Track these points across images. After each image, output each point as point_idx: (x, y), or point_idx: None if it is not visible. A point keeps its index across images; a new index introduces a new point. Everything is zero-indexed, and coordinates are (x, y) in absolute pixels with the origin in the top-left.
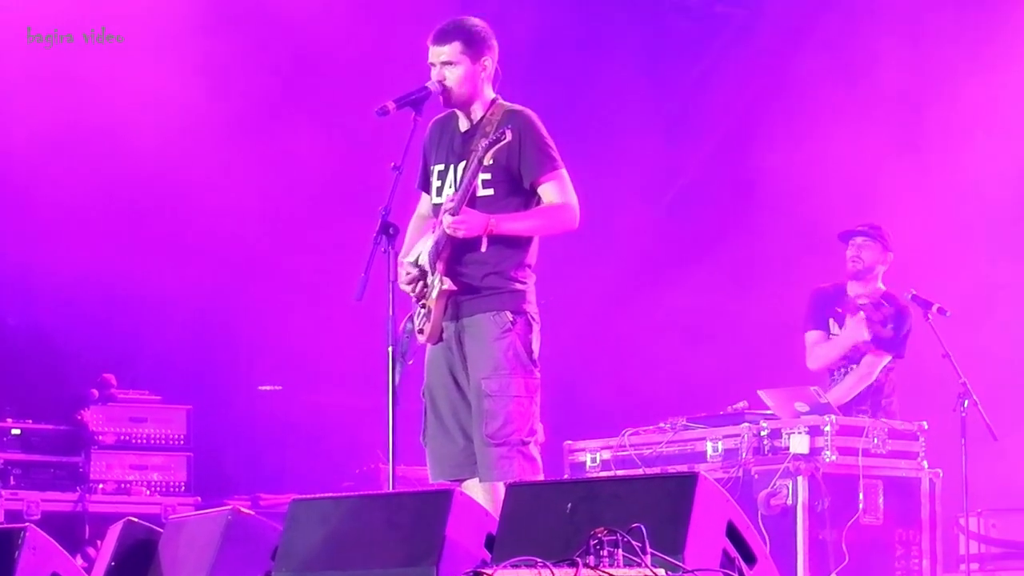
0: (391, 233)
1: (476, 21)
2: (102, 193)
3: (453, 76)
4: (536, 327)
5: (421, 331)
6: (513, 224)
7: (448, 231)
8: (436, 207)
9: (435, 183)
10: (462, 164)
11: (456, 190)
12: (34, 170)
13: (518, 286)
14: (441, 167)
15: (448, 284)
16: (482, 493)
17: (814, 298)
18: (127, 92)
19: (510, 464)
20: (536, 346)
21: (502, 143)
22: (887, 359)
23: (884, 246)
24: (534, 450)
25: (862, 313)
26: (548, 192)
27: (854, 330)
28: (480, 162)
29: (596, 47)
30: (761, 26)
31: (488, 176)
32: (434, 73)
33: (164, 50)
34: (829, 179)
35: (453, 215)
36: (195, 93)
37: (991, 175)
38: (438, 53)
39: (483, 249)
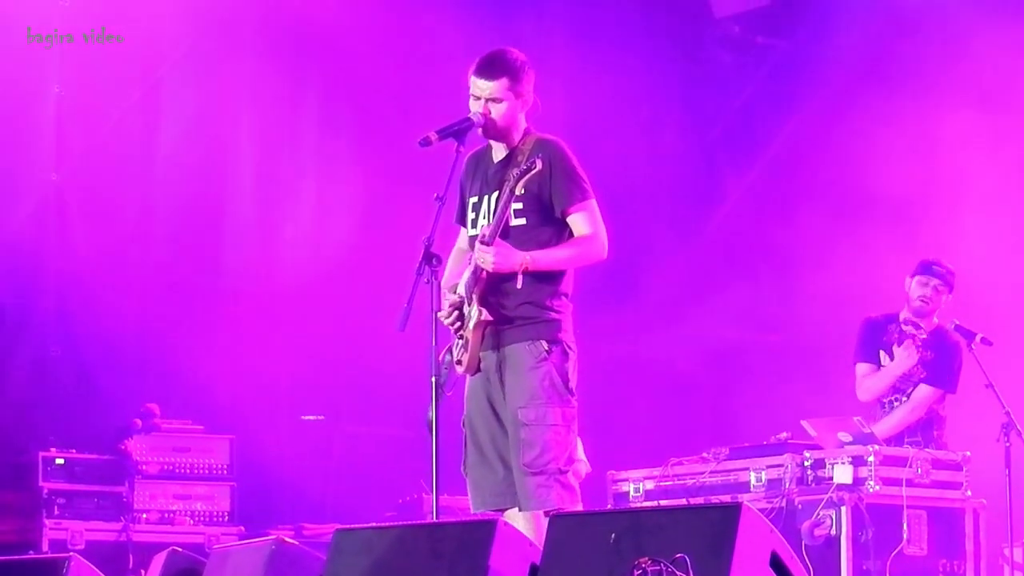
0: (434, 263)
1: (518, 54)
2: (144, 222)
3: (498, 112)
4: (573, 356)
5: (459, 362)
6: (546, 259)
7: (478, 261)
8: (472, 239)
9: (470, 215)
10: (495, 194)
11: (489, 221)
12: (75, 201)
13: (553, 315)
14: (475, 199)
15: (484, 315)
16: (523, 523)
17: (865, 329)
18: (166, 122)
19: (548, 492)
20: (573, 375)
21: (532, 172)
22: (937, 393)
23: (951, 291)
24: (572, 479)
25: (910, 342)
26: (577, 223)
27: (903, 359)
28: (512, 192)
29: (636, 77)
30: (802, 58)
31: (520, 206)
32: (477, 106)
33: (206, 77)
34: (874, 208)
35: (485, 244)
36: (236, 124)
37: None
38: (484, 88)
39: (519, 286)
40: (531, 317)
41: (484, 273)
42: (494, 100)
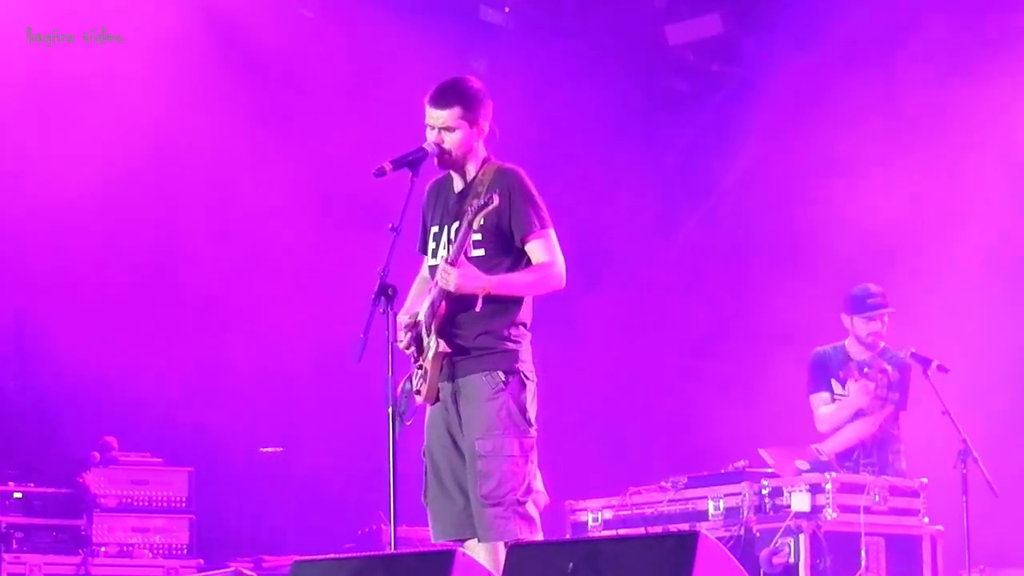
0: (390, 294)
1: (474, 83)
2: (100, 252)
3: (451, 140)
4: (531, 385)
5: (418, 391)
6: (507, 284)
7: (439, 281)
8: (432, 268)
9: (431, 244)
10: (455, 224)
11: (448, 252)
12: (31, 234)
13: (510, 345)
14: (436, 228)
15: (442, 346)
16: (484, 553)
17: (815, 361)
18: (129, 146)
19: (507, 524)
20: (532, 405)
21: (490, 207)
22: (888, 409)
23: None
24: (531, 509)
25: (867, 382)
26: (535, 251)
27: (857, 397)
28: (470, 225)
29: (592, 105)
30: (756, 85)
31: (479, 237)
32: (431, 135)
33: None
34: (831, 234)
35: (449, 264)
36: (196, 150)
37: (992, 228)
38: (437, 116)
39: (478, 309)
40: (488, 347)
41: (443, 304)
42: (447, 129)
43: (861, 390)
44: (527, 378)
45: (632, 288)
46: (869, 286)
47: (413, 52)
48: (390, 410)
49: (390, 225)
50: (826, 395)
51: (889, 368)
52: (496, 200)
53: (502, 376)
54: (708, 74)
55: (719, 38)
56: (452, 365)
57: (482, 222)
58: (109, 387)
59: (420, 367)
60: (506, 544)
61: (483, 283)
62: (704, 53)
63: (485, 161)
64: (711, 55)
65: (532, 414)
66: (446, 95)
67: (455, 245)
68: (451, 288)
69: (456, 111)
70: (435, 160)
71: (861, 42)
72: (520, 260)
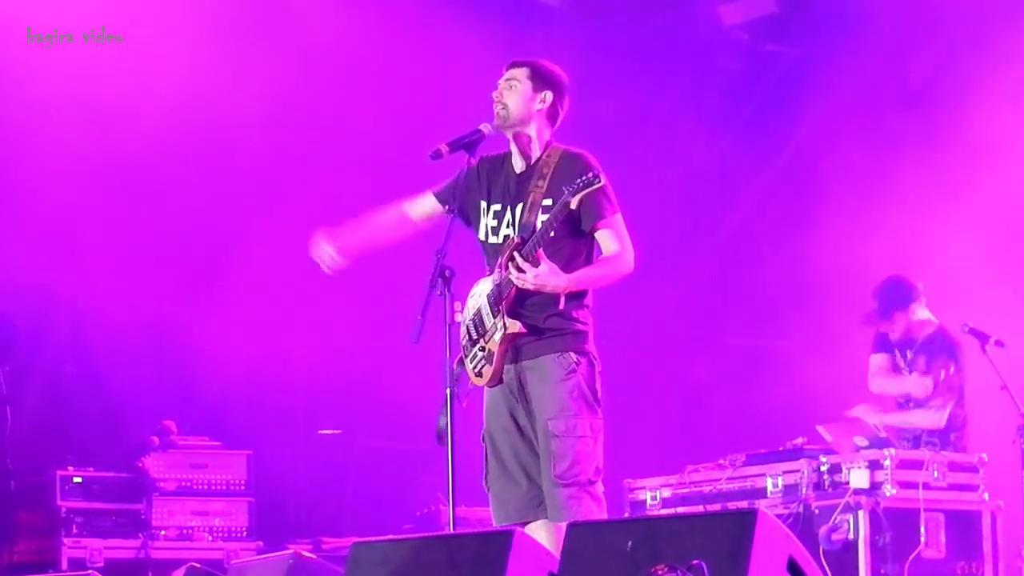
0: (447, 276)
1: (555, 67)
2: (157, 240)
3: (511, 95)
4: (598, 367)
5: (480, 374)
6: (584, 280)
7: (517, 280)
8: (494, 247)
9: (489, 222)
10: (520, 206)
11: (515, 233)
12: (88, 219)
13: (580, 327)
14: (498, 207)
15: (518, 326)
16: (546, 534)
17: (879, 332)
18: (179, 140)
19: (579, 504)
20: (598, 386)
21: (595, 187)
22: (950, 406)
23: (898, 303)
24: (600, 489)
25: (929, 380)
26: (605, 239)
27: (915, 388)
28: (566, 205)
29: (647, 86)
30: (811, 65)
31: (547, 217)
32: (495, 95)
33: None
34: (887, 217)
35: (526, 259)
36: (256, 144)
37: None
38: (506, 76)
39: (561, 307)
40: (559, 329)
41: (513, 288)
42: (509, 82)
43: (919, 385)
44: (595, 359)
45: (690, 267)
46: (875, 287)
47: (466, 36)
48: (448, 391)
49: (447, 207)
50: (886, 356)
51: (952, 367)
52: (602, 180)
53: (574, 357)
54: (763, 54)
55: (773, 17)
56: (518, 347)
57: (549, 202)
58: (167, 371)
59: (482, 348)
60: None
61: (562, 282)
62: (758, 33)
63: (549, 144)
64: (765, 35)
65: (600, 395)
66: (519, 58)
67: (535, 239)
68: (528, 287)
69: (523, 70)
70: (495, 124)
71: (927, 19)
72: (586, 242)
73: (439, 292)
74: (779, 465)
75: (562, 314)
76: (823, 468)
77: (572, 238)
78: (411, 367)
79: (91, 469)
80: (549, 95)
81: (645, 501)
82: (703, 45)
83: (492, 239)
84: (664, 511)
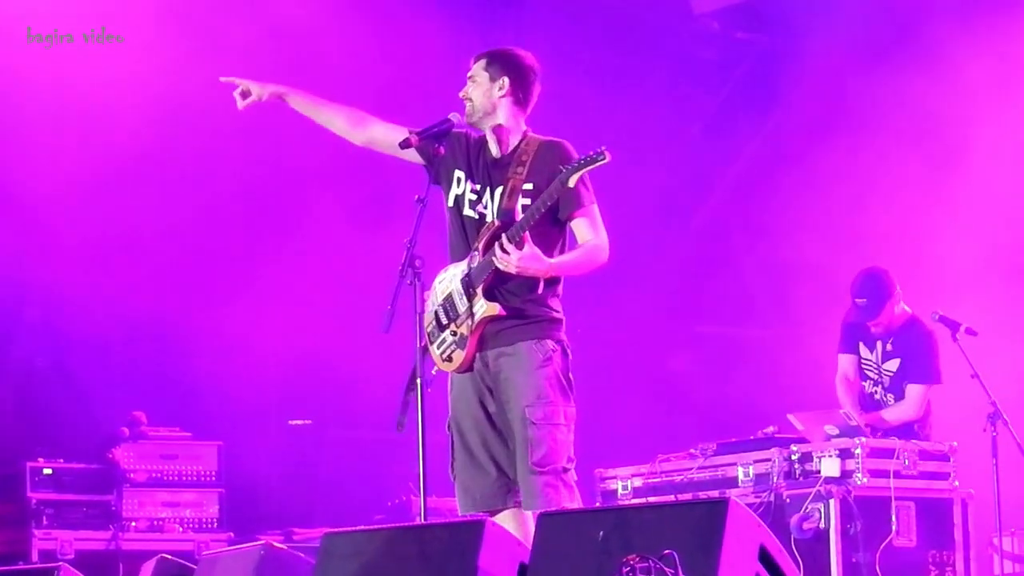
0: (417, 266)
1: (518, 53)
2: (129, 232)
3: (474, 89)
4: (570, 356)
5: (450, 359)
6: (563, 267)
7: (499, 262)
8: (470, 222)
9: (466, 195)
10: (499, 190)
11: (495, 216)
12: (60, 211)
13: (555, 314)
14: (477, 186)
15: (497, 309)
16: (515, 524)
17: (845, 324)
18: (157, 137)
19: (555, 492)
20: (571, 374)
21: (599, 163)
22: (931, 389)
23: (886, 296)
24: (573, 477)
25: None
26: (581, 227)
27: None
28: (563, 184)
29: (618, 75)
30: (782, 52)
31: (529, 202)
32: (462, 94)
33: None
34: (860, 204)
35: (512, 242)
36: (220, 127)
37: (1018, 193)
38: (469, 73)
39: (540, 291)
40: (536, 316)
41: (492, 272)
42: (470, 78)
43: (893, 413)
44: (568, 348)
45: (662, 256)
46: (857, 283)
47: (436, 24)
48: (419, 381)
49: (416, 196)
50: (853, 356)
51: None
52: (608, 157)
53: (551, 344)
54: (734, 42)
55: (744, 5)
56: (492, 334)
57: (530, 187)
58: (137, 363)
59: (454, 333)
60: (534, 513)
61: (544, 267)
62: (729, 21)
63: (525, 134)
64: (736, 23)
65: (572, 383)
66: (479, 51)
67: (523, 219)
68: (512, 271)
69: (480, 63)
70: (464, 116)
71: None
72: (561, 230)
73: (409, 282)
74: (750, 454)
75: (538, 300)
76: (794, 457)
77: (551, 225)
78: (382, 357)
79: (61, 460)
80: (506, 80)
81: (616, 491)
82: (674, 34)
83: (468, 211)
84: (635, 500)
